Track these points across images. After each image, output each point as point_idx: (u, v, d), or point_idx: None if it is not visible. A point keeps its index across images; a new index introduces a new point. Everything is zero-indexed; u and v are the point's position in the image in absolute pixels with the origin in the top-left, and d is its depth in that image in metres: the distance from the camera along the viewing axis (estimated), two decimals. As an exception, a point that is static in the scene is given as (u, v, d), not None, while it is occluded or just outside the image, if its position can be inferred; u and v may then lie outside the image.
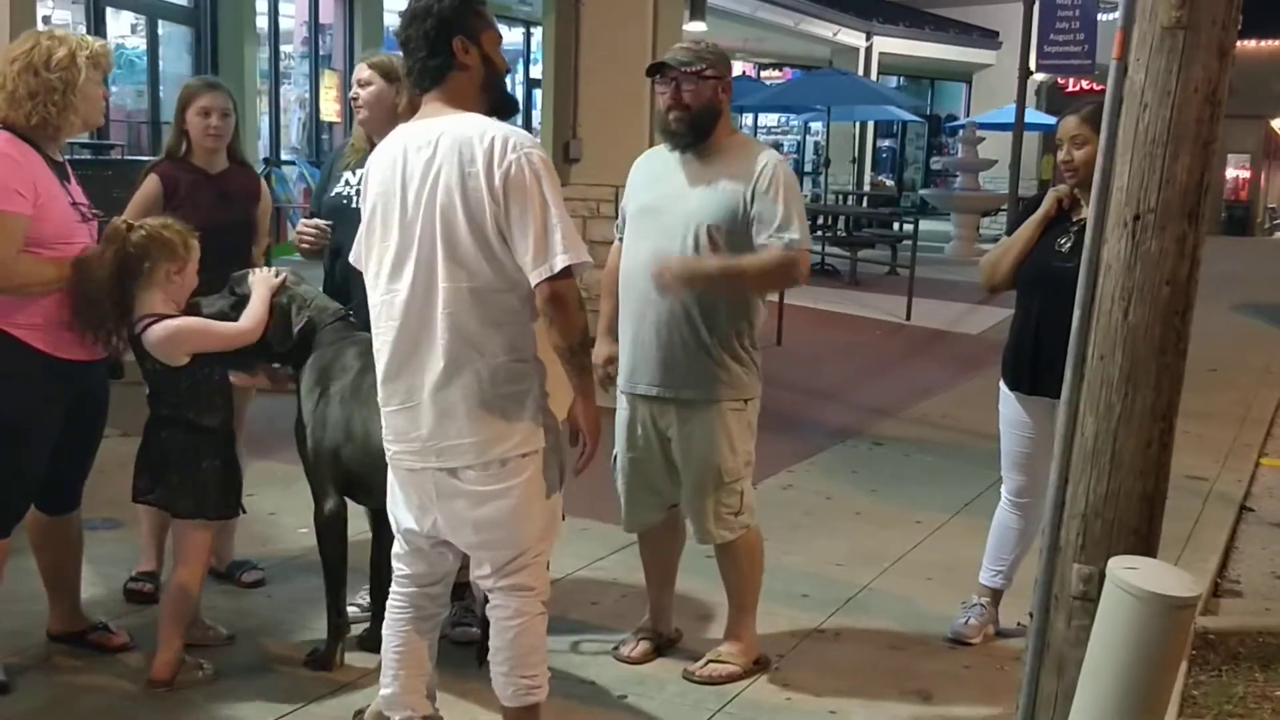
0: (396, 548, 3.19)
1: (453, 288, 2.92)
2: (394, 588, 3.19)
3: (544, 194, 2.88)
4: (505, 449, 2.96)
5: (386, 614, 3.20)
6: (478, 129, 2.92)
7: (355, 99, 4.12)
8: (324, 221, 4.14)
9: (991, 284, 4.22)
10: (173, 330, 3.58)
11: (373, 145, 4.08)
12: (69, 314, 3.51)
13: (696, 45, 3.79)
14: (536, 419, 3.01)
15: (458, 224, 2.90)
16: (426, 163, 2.94)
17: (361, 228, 3.15)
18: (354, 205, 4.01)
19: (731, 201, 3.70)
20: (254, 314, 3.69)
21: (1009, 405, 4.20)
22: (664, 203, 3.75)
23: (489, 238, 2.89)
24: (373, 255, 3.06)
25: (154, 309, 3.58)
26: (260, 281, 3.77)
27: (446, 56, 3.00)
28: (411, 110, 4.04)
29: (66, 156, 3.78)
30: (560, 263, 2.86)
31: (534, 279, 2.88)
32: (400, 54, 4.23)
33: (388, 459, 3.09)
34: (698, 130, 3.75)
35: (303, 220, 4.22)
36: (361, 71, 4.13)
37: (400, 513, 3.12)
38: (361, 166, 4.03)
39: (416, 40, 3.01)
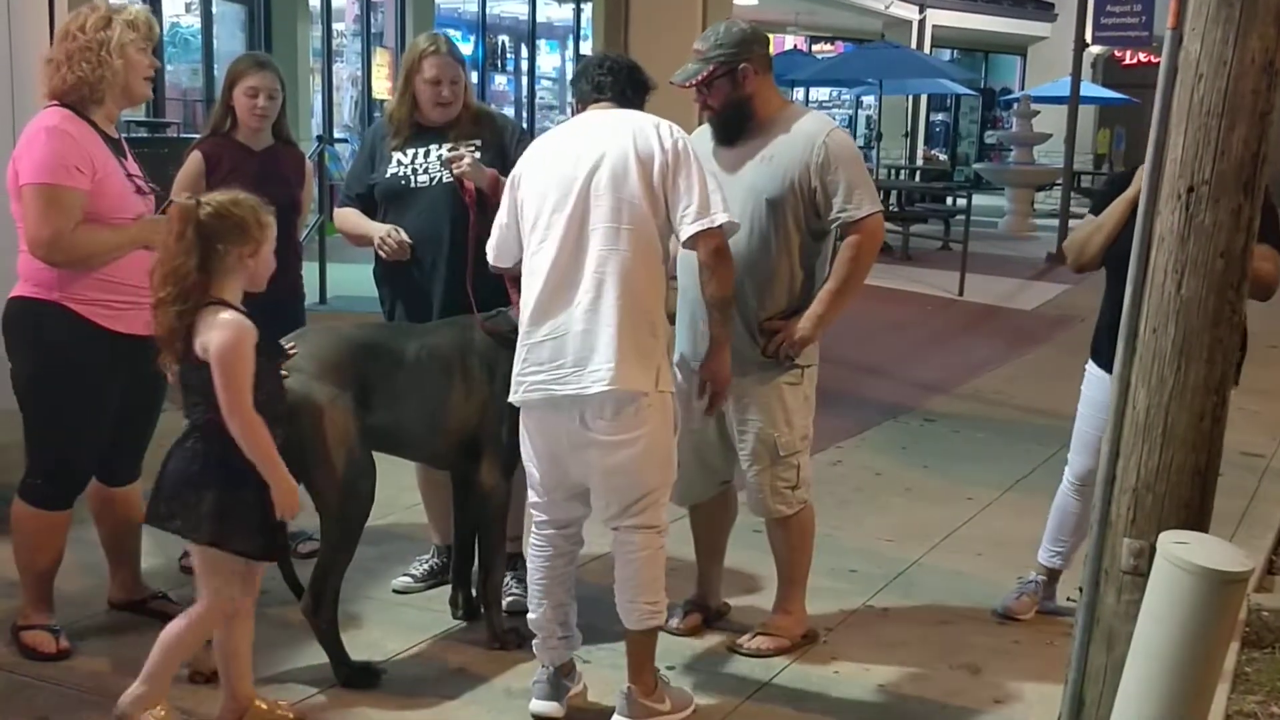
0: (531, 495, 3.51)
1: (614, 228, 3.28)
2: (534, 528, 3.53)
3: (702, 168, 3.37)
4: (637, 383, 3.26)
5: (530, 550, 3.53)
6: (649, 117, 3.45)
7: (450, 97, 3.98)
8: (407, 240, 3.95)
9: (1079, 264, 4.05)
10: (235, 335, 3.01)
11: (420, 125, 4.09)
12: (153, 297, 3.12)
13: (704, 45, 3.76)
14: (661, 368, 3.34)
15: (629, 172, 3.29)
16: (599, 134, 3.37)
17: (518, 202, 3.45)
18: (412, 186, 4.02)
19: (788, 175, 3.70)
20: (265, 454, 3.06)
21: (1097, 388, 4.00)
22: (721, 181, 3.72)
23: (653, 188, 3.30)
24: (543, 216, 3.37)
25: (224, 295, 3.10)
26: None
27: (643, 100, 3.62)
28: (470, 90, 4.11)
29: (123, 135, 3.84)
30: (721, 219, 3.32)
31: (695, 229, 3.30)
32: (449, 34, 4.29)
33: (521, 396, 3.35)
34: (732, 125, 3.79)
35: (390, 230, 3.97)
36: (449, 68, 3.98)
37: (531, 466, 3.45)
38: (411, 146, 4.05)
39: (625, 80, 3.57)
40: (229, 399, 2.99)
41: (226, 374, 2.99)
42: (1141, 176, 3.91)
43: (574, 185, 3.31)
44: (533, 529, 3.54)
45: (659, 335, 3.35)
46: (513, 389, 3.39)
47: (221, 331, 3.00)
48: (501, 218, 3.53)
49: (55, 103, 3.60)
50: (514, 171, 3.51)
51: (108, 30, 3.58)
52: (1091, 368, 4.11)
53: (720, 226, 3.33)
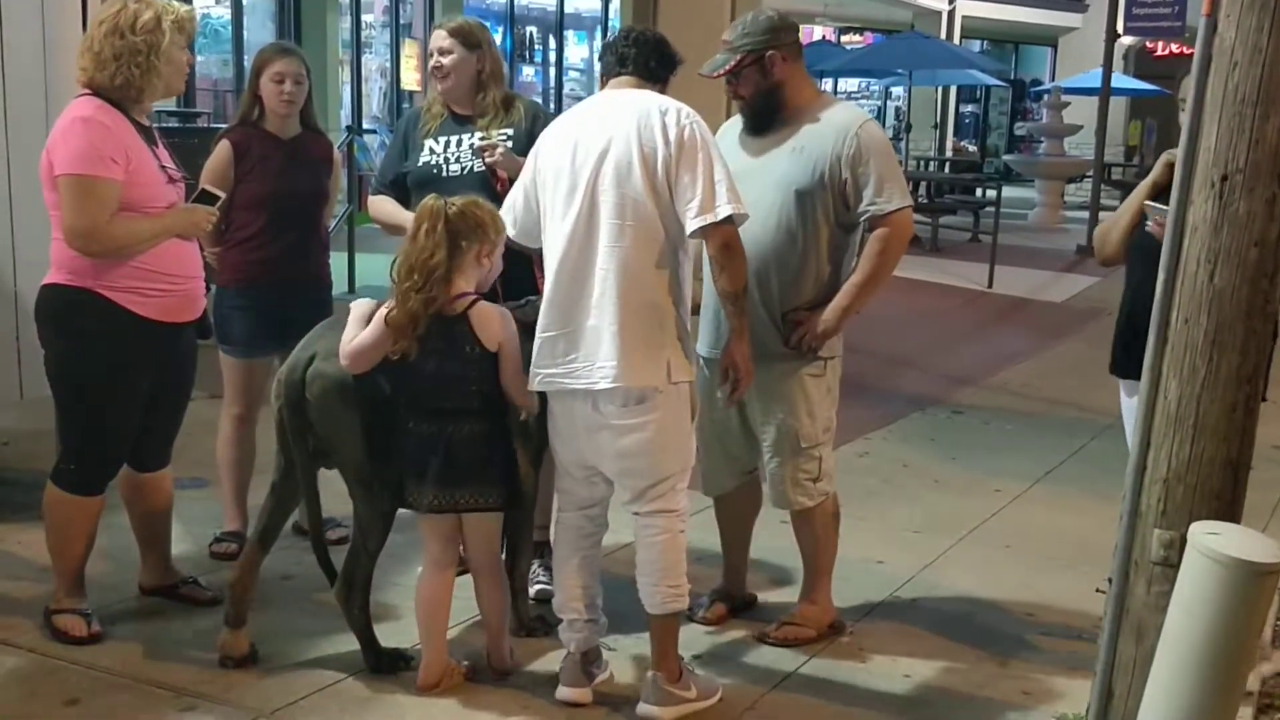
0: (558, 472, 3.60)
1: (619, 225, 3.30)
2: (559, 508, 3.63)
3: (710, 155, 3.32)
4: (644, 378, 3.31)
5: (555, 530, 3.65)
6: (656, 102, 3.41)
7: (439, 67, 4.05)
8: None
9: (1103, 257, 3.98)
10: (509, 320, 3.43)
11: (452, 113, 4.11)
12: (398, 288, 3.38)
13: (732, 35, 3.77)
14: (673, 360, 3.36)
15: (633, 168, 3.29)
16: (606, 122, 3.37)
17: (535, 184, 3.51)
18: (444, 175, 4.02)
19: (819, 167, 3.69)
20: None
21: (1123, 404, 3.89)
22: (750, 171, 3.71)
23: (657, 185, 3.30)
24: (557, 207, 3.41)
25: (464, 290, 3.41)
26: None
27: (668, 73, 3.59)
28: (492, 75, 4.10)
29: (154, 124, 3.85)
30: (724, 211, 3.28)
31: (699, 223, 3.28)
32: (475, 19, 4.31)
33: (539, 382, 3.41)
34: (762, 114, 3.79)
35: None
36: (442, 40, 4.05)
37: (555, 442, 3.53)
38: (443, 134, 4.06)
39: (650, 52, 3.54)
40: (520, 373, 3.41)
41: (516, 354, 3.40)
42: (1159, 163, 3.84)
43: (581, 178, 3.34)
44: (559, 507, 3.62)
45: (668, 328, 3.36)
46: (530, 377, 3.44)
47: (507, 321, 3.41)
48: (516, 191, 3.60)
49: (88, 91, 3.62)
50: (537, 144, 3.57)
51: (157, 33, 3.58)
52: (1122, 385, 3.87)
53: (727, 219, 3.30)
